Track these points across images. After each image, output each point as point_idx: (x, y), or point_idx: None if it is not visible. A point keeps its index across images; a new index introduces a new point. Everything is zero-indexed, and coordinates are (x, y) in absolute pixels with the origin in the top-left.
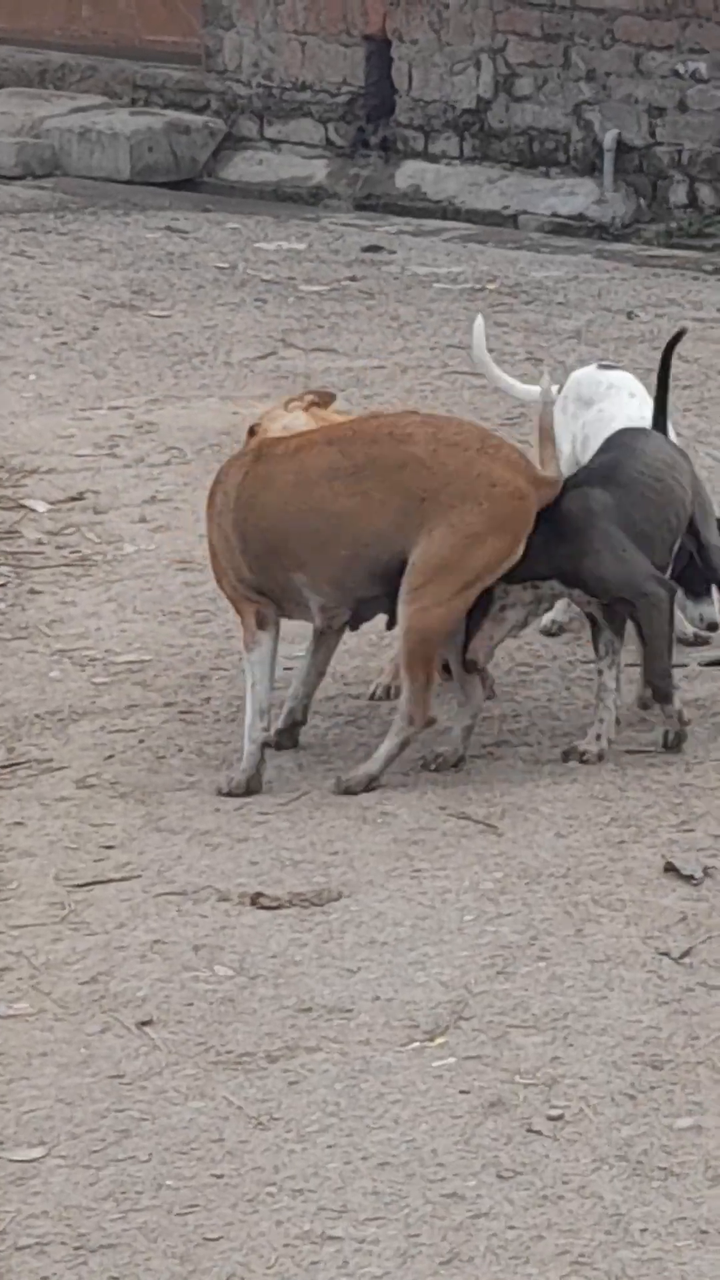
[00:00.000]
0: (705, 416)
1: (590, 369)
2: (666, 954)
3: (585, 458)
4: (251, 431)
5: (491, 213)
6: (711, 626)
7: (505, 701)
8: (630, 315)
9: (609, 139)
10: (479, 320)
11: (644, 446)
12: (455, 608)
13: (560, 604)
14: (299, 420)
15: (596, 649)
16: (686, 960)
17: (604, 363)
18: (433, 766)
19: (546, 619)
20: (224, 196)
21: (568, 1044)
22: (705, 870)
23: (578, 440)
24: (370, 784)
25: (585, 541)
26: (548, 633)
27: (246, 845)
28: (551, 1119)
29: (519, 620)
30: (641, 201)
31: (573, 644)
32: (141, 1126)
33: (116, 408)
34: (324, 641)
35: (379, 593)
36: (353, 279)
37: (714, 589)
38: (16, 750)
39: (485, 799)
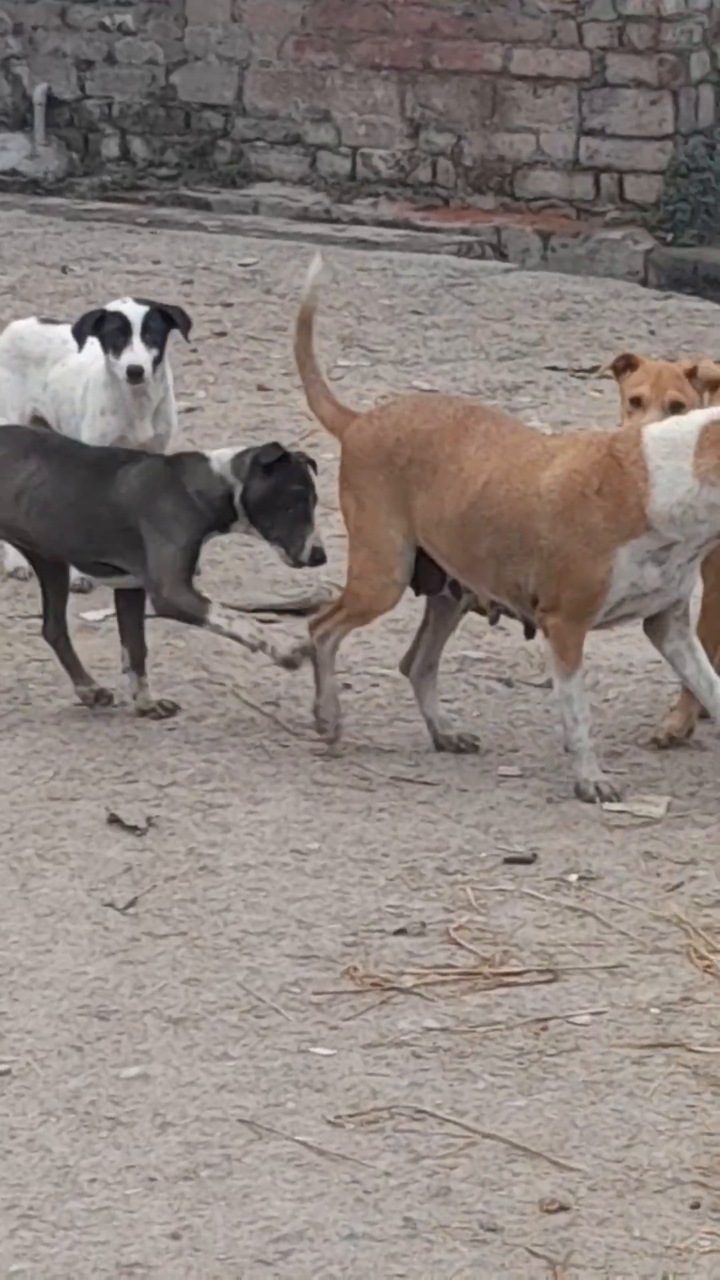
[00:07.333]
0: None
1: (30, 323)
2: (111, 905)
3: (59, 416)
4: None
5: None
6: None
7: None
8: (65, 269)
9: (38, 93)
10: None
11: None
12: None
13: None
14: None
15: None
16: (131, 910)
17: (45, 317)
18: None
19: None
20: None
21: (13, 999)
22: (149, 820)
23: (43, 400)
24: None
25: None
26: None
27: None
28: None
29: None
30: (74, 156)
31: (12, 600)
32: None
33: None
34: None
35: None
36: None
37: None
38: None
39: None
